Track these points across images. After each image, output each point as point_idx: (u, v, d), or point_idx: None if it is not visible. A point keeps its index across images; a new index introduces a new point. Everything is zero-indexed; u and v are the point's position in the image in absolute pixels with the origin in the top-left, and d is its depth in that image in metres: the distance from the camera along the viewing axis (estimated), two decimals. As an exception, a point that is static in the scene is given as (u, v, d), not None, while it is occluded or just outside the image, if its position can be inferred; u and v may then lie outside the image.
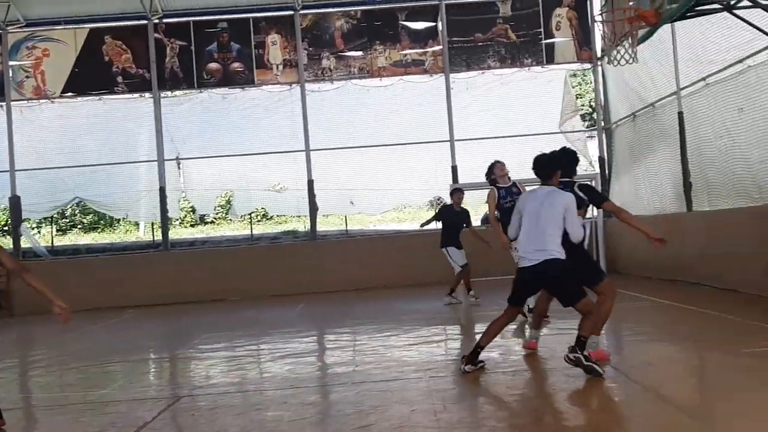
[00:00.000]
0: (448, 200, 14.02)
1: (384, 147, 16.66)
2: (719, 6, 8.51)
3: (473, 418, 5.01)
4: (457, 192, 12.19)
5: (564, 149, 6.96)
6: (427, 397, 5.63)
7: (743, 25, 8.75)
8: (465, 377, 6.26)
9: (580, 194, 6.51)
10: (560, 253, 6.11)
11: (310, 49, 16.81)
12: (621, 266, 15.31)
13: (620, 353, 7.25)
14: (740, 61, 10.69)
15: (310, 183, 16.36)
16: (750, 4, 8.27)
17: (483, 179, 10.97)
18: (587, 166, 17.21)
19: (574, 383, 6.14)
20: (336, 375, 7.09)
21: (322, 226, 18.72)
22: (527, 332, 7.66)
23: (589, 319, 6.14)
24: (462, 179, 16.40)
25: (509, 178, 9.77)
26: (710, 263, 11.32)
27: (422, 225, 13.39)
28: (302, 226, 18.88)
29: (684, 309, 9.59)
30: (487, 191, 9.86)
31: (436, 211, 13.37)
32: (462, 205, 12.12)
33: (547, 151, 6.90)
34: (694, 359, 6.82)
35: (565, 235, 6.23)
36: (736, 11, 8.52)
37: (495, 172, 9.73)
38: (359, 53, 16.82)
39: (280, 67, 16.74)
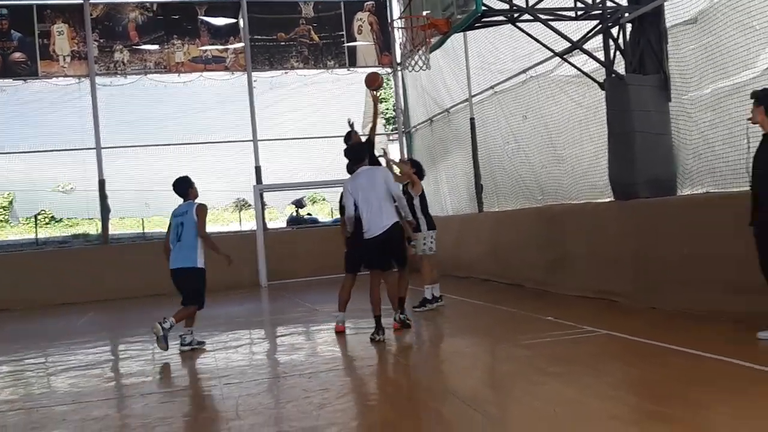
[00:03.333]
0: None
1: (184, 146, 16.07)
2: (504, 18, 9.03)
3: (266, 424, 4.90)
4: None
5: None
6: (219, 405, 5.44)
7: (526, 37, 9.35)
8: (259, 382, 6.17)
9: None
10: None
11: (102, 40, 15.83)
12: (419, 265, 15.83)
13: (415, 350, 7.47)
14: (524, 71, 11.45)
15: (102, 183, 15.38)
16: (531, 18, 8.85)
17: (287, 180, 10.93)
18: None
19: (369, 381, 6.26)
20: (124, 387, 6.68)
21: (117, 229, 17.72)
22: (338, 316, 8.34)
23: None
24: (266, 180, 16.25)
25: None
26: (499, 261, 12.03)
27: None
28: (94, 229, 17.72)
29: (476, 304, 10.08)
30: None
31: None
32: None
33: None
34: (482, 352, 7.17)
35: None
36: (519, 24, 9.08)
37: None
38: (155, 47, 16.10)
39: (68, 59, 15.60)
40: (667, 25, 8.58)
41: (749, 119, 5.95)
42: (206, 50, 16.36)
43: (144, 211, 16.65)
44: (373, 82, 8.72)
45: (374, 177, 7.66)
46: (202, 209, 8.17)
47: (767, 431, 3.92)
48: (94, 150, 15.43)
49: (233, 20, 16.52)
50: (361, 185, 7.62)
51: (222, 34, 16.49)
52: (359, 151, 7.91)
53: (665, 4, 8.45)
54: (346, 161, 8.04)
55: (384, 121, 25.81)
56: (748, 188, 6.10)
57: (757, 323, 6.09)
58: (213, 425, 4.92)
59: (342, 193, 8.58)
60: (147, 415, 5.36)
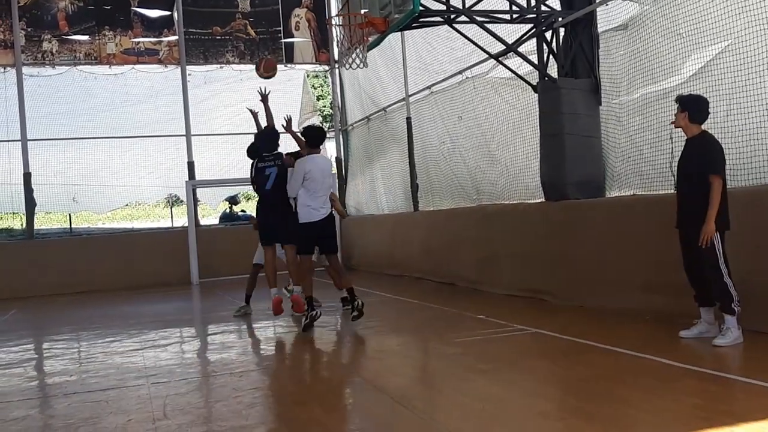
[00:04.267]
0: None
1: (114, 139, 15.67)
2: (441, 19, 9.09)
3: (194, 424, 4.81)
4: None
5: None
6: (146, 405, 5.31)
7: (463, 39, 9.44)
8: (188, 381, 6.06)
9: None
10: None
11: (29, 29, 15.28)
12: (354, 263, 15.86)
13: (347, 349, 7.46)
14: (460, 72, 11.56)
15: (27, 176, 14.85)
16: (467, 19, 8.93)
17: (221, 176, 10.82)
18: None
19: (299, 379, 6.22)
20: (46, 386, 6.45)
21: (43, 224, 17.19)
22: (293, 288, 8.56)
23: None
24: (199, 175, 15.98)
25: None
26: (433, 259, 12.12)
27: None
28: (19, 223, 17.11)
29: (409, 302, 10.13)
30: None
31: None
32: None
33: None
34: (412, 350, 7.20)
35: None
36: (456, 25, 9.16)
37: None
38: (86, 38, 15.63)
39: (-7, 48, 15.04)
40: (599, 30, 8.78)
41: (672, 123, 6.13)
42: (139, 42, 15.98)
43: (71, 206, 16.13)
44: (269, 70, 9.36)
45: (325, 168, 8.08)
46: None
47: (688, 427, 4.04)
48: (19, 142, 14.91)
49: (167, 12, 16.18)
50: (314, 175, 7.83)
51: (156, 27, 16.13)
52: (322, 135, 8.22)
53: (597, 9, 8.65)
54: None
55: (321, 118, 25.75)
56: (673, 191, 6.29)
57: (680, 322, 6.29)
58: (140, 425, 4.79)
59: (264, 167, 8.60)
60: (70, 415, 5.20)
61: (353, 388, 5.70)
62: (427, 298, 10.12)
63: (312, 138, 8.12)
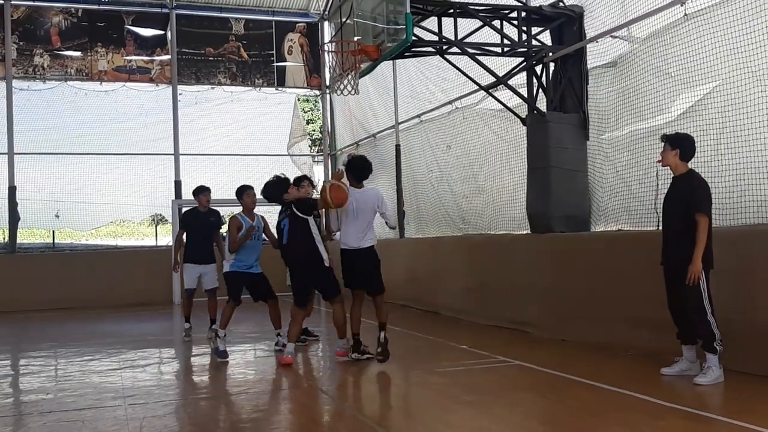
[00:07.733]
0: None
1: (101, 156, 15.60)
2: (433, 50, 9.18)
3: (170, 448, 4.76)
4: (203, 191, 9.87)
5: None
6: (122, 426, 5.23)
7: (454, 69, 9.52)
8: (166, 403, 5.98)
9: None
10: None
11: (21, 43, 15.28)
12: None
13: (328, 376, 7.39)
14: (450, 102, 11.64)
15: (12, 190, 14.73)
16: (459, 51, 9.02)
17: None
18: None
19: (279, 406, 6.15)
20: (23, 404, 6.35)
21: (25, 238, 17.01)
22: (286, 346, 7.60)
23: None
24: (186, 195, 15.88)
25: None
26: (417, 287, 12.09)
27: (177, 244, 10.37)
28: (1, 237, 16.91)
29: (392, 330, 9.99)
30: None
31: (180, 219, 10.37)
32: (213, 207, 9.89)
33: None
34: (395, 379, 7.15)
35: None
36: (448, 56, 9.25)
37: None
38: (78, 53, 15.63)
39: (-17, 61, 15.01)
40: (588, 66, 8.89)
41: (658, 161, 6.17)
42: (131, 60, 15.99)
43: (54, 223, 15.96)
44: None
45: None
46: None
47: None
48: (6, 155, 14.79)
49: (161, 32, 16.22)
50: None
51: (149, 45, 16.16)
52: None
53: (587, 46, 8.76)
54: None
55: (310, 142, 25.82)
56: (659, 228, 6.32)
57: (662, 358, 6.29)
58: (114, 447, 4.73)
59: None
60: (44, 435, 5.12)
61: (334, 416, 5.65)
62: (411, 326, 10.07)
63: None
